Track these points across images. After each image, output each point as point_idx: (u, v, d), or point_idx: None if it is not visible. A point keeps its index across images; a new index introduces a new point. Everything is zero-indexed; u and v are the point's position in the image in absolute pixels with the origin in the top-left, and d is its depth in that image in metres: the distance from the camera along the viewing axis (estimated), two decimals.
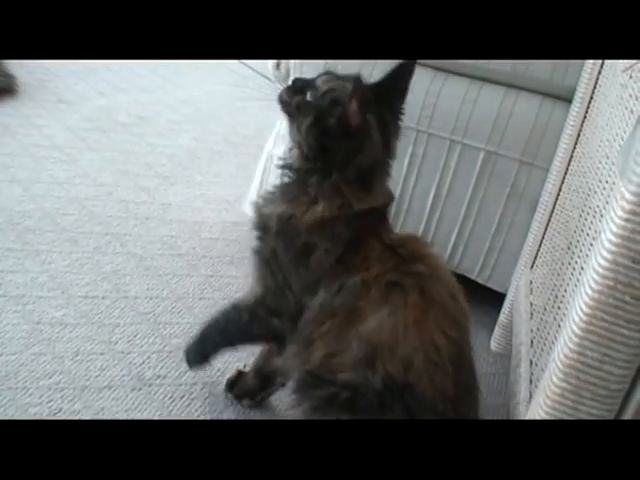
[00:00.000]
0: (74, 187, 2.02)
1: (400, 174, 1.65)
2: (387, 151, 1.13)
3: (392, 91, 1.13)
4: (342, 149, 1.07)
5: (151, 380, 1.33)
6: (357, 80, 1.05)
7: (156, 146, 2.44)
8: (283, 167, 1.17)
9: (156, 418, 1.24)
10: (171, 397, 1.30)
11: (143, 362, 1.38)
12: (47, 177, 2.04)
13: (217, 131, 2.72)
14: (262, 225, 1.16)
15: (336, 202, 1.08)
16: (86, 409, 1.23)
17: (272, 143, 1.87)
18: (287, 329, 1.14)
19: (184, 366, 1.35)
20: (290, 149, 1.17)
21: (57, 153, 2.22)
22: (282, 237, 1.12)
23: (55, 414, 1.21)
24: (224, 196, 2.13)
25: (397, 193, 1.67)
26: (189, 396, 1.32)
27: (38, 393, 1.24)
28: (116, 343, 1.41)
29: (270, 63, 1.81)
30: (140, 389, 1.31)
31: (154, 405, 1.27)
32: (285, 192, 1.15)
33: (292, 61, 1.67)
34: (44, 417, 1.19)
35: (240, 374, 1.34)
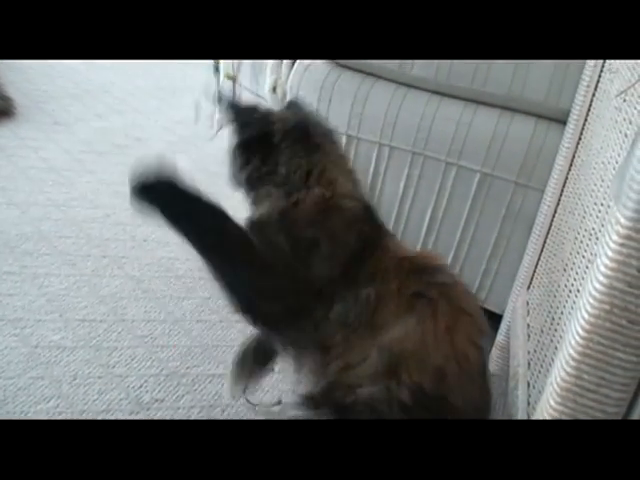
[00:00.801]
0: (71, 209, 2.03)
1: (396, 196, 1.66)
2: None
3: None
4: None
5: (149, 404, 1.33)
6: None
7: None
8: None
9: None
10: None
11: (141, 386, 1.38)
12: (44, 200, 2.05)
13: (213, 152, 2.72)
14: (258, 224, 1.10)
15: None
16: None
17: None
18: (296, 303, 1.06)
19: (182, 389, 1.36)
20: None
21: (54, 175, 2.23)
22: (283, 231, 1.06)
23: None
24: None
25: (393, 215, 1.68)
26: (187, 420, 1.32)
27: (36, 417, 1.24)
28: (114, 367, 1.41)
29: (266, 86, 1.83)
30: (138, 413, 1.31)
31: None
32: (264, 195, 1.14)
33: (288, 85, 1.68)
34: None
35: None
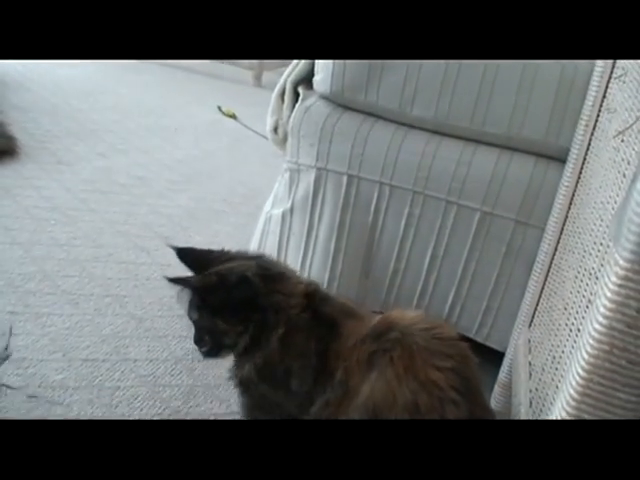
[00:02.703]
0: (74, 249, 2.04)
1: (397, 235, 1.67)
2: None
3: None
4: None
5: None
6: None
7: (155, 206, 2.47)
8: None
9: None
10: None
11: None
12: (47, 239, 2.06)
13: (215, 191, 2.74)
14: (244, 383, 1.19)
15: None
16: None
17: (270, 204, 1.89)
18: None
19: None
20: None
21: (57, 215, 2.24)
22: (264, 380, 1.15)
23: None
24: None
25: (394, 253, 1.69)
26: None
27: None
28: (116, 407, 1.41)
29: (268, 127, 1.85)
30: None
31: None
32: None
33: (290, 125, 1.70)
34: None
35: None
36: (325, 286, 1.71)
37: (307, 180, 1.70)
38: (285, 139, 1.76)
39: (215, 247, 1.24)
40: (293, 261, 1.76)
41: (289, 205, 1.74)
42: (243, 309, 1.14)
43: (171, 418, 1.41)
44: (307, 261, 1.75)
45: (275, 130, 1.82)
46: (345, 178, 1.66)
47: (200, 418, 1.42)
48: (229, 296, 1.13)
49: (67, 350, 1.55)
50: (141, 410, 1.41)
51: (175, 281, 1.15)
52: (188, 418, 1.42)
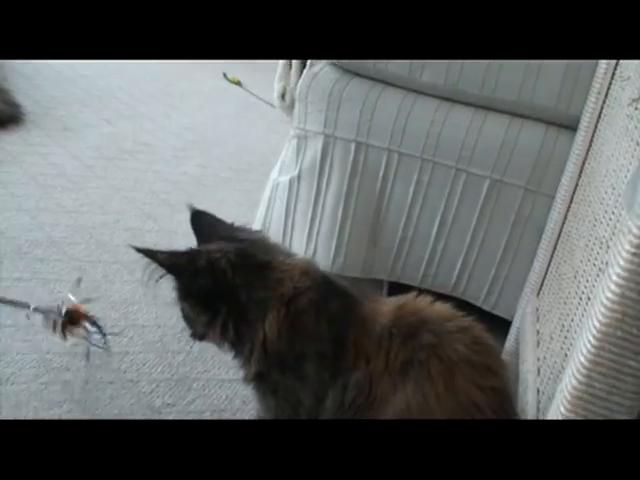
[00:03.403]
0: (81, 215, 2.04)
1: (405, 203, 1.66)
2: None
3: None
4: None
5: (160, 408, 1.34)
6: None
7: (161, 173, 2.46)
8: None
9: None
10: None
11: (152, 391, 1.39)
12: (54, 205, 2.06)
13: (222, 158, 2.73)
14: (257, 375, 1.10)
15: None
16: None
17: (277, 171, 1.88)
18: None
19: (193, 394, 1.37)
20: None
21: (64, 181, 2.24)
22: (275, 366, 1.07)
23: None
24: None
25: (402, 221, 1.68)
26: None
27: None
28: (125, 372, 1.42)
29: (275, 93, 1.83)
30: (150, 417, 1.31)
31: None
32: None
33: (297, 92, 1.69)
34: None
35: None
36: (332, 254, 1.71)
37: (315, 147, 1.69)
38: (292, 105, 1.75)
39: (221, 215, 1.20)
40: (300, 229, 1.76)
41: (296, 172, 1.74)
42: (208, 298, 1.07)
43: (180, 383, 1.41)
44: (314, 229, 1.75)
45: (282, 96, 1.81)
46: (353, 145, 1.65)
47: (208, 384, 1.43)
48: (194, 282, 1.06)
49: None
50: (150, 375, 1.42)
51: (143, 252, 1.09)
52: (196, 384, 1.43)
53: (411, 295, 1.11)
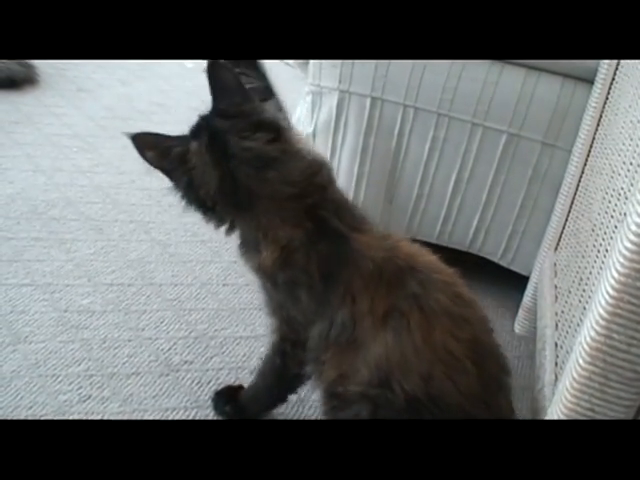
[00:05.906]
0: (97, 175, 2.04)
1: (421, 159, 1.65)
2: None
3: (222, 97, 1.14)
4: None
5: (178, 366, 1.35)
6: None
7: (176, 133, 2.45)
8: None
9: (184, 404, 1.26)
10: (198, 382, 1.32)
11: (170, 348, 1.39)
12: (70, 166, 2.06)
13: None
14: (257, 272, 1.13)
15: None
16: (115, 395, 1.25)
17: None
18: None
19: (210, 351, 1.37)
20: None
21: (79, 142, 2.24)
22: (268, 280, 1.11)
23: (84, 401, 1.23)
24: None
25: (418, 178, 1.67)
26: (216, 381, 1.33)
27: (67, 380, 1.27)
28: (143, 330, 1.43)
29: None
30: (167, 375, 1.32)
31: (182, 391, 1.29)
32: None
33: None
34: (74, 404, 1.21)
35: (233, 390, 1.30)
36: None
37: (329, 103, 1.68)
38: (307, 62, 1.73)
39: None
40: None
41: (311, 129, 1.72)
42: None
43: (198, 341, 1.42)
44: None
45: None
46: (368, 101, 1.63)
47: (225, 341, 1.44)
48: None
49: (92, 275, 1.57)
50: (167, 333, 1.43)
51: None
52: (213, 342, 1.43)
53: (405, 239, 1.11)
